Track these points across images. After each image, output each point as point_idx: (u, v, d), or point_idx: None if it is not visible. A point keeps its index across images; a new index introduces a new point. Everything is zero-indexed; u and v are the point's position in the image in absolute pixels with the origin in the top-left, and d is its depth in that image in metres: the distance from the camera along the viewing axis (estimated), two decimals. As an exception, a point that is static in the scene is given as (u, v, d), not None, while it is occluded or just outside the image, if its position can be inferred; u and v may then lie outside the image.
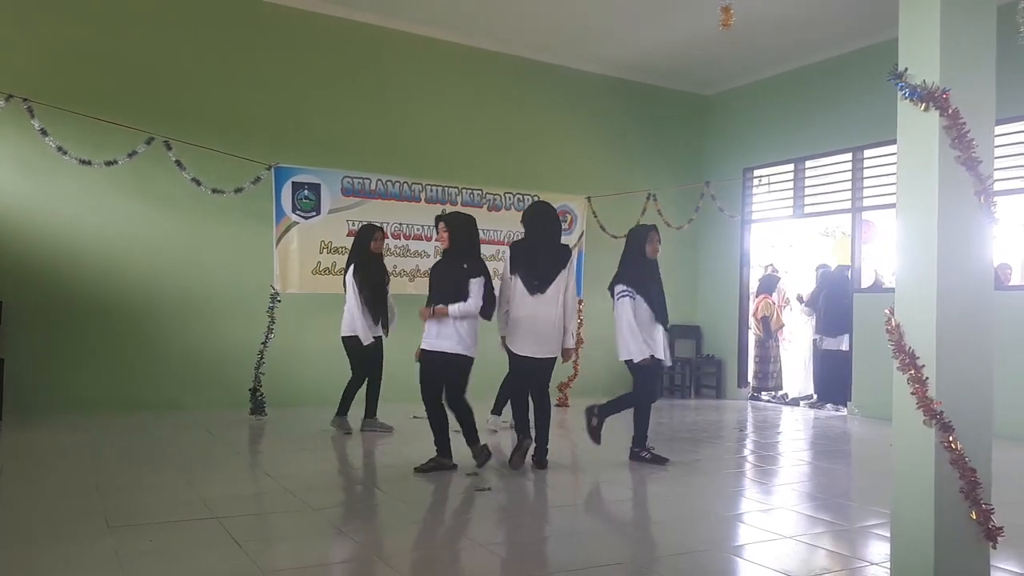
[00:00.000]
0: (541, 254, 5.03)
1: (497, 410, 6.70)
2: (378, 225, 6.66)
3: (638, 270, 5.34)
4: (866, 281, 8.78)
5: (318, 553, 3.40)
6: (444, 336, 4.92)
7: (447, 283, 4.94)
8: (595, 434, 5.49)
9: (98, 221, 7.10)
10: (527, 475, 5.25)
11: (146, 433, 6.09)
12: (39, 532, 3.53)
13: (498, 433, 6.55)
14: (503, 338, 5.20)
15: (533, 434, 5.20)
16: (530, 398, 5.22)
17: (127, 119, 6.78)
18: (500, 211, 8.55)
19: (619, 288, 5.30)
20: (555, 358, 5.14)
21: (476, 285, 4.88)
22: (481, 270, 4.95)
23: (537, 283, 4.96)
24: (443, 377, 4.99)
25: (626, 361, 5.37)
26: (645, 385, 5.45)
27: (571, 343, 5.17)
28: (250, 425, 6.67)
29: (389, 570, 3.18)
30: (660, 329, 5.36)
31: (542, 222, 5.14)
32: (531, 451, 5.20)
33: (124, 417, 6.75)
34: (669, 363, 5.53)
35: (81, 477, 4.60)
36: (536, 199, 8.72)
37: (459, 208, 8.16)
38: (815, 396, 9.32)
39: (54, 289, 6.92)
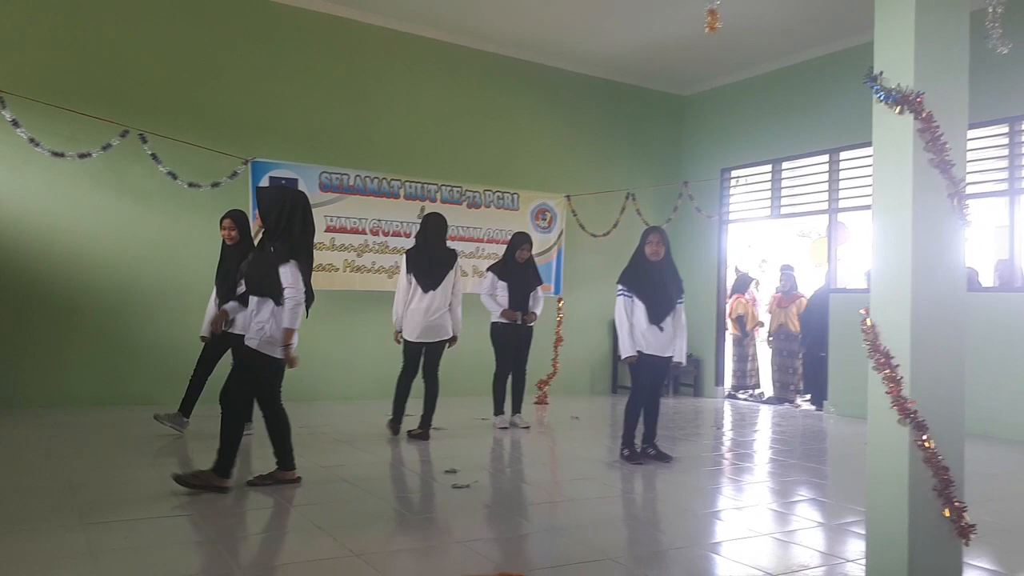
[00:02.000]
0: (433, 258, 6.00)
1: (499, 409, 6.78)
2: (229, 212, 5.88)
3: (635, 270, 5.48)
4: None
5: (294, 550, 3.39)
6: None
7: (255, 273, 4.37)
8: (634, 460, 5.41)
9: (72, 214, 6.99)
10: (504, 471, 5.26)
11: (121, 429, 6.02)
12: (12, 527, 3.48)
13: (508, 430, 6.67)
14: (397, 331, 6.09)
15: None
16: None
17: (101, 111, 6.69)
18: (479, 208, 8.55)
19: (617, 287, 5.48)
20: (443, 342, 6.05)
21: (285, 272, 4.24)
22: (291, 255, 4.27)
23: (430, 282, 5.94)
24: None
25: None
26: (633, 384, 5.52)
27: (458, 331, 6.15)
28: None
29: (367, 567, 3.17)
30: (662, 327, 5.35)
31: (434, 230, 6.08)
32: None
33: (100, 412, 6.66)
34: (678, 360, 5.51)
35: (55, 472, 4.53)
36: (516, 196, 8.78)
37: (438, 206, 8.12)
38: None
39: (27, 283, 6.81)
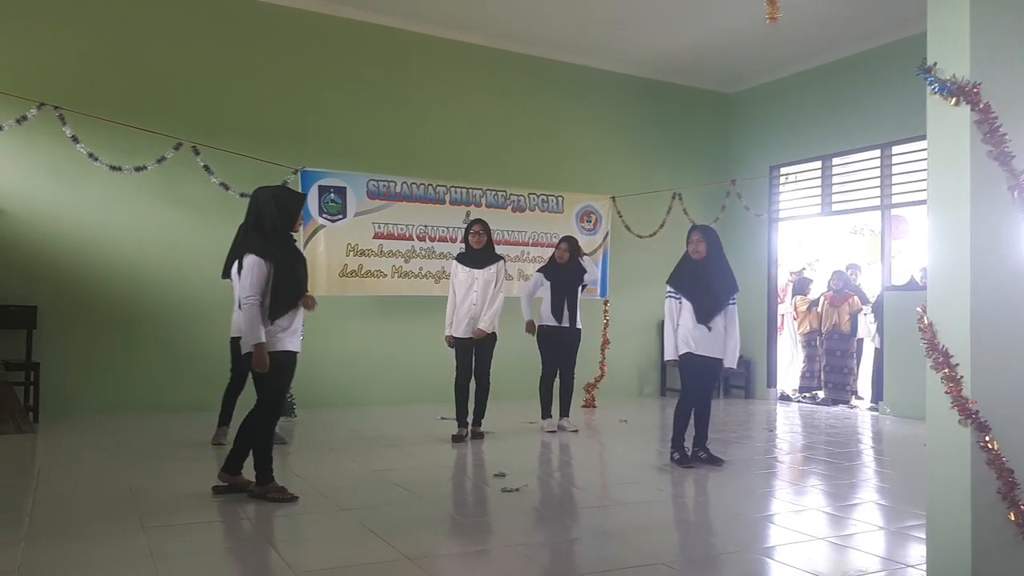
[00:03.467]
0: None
1: (546, 412, 6.78)
2: None
3: (681, 270, 5.47)
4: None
5: (349, 554, 3.42)
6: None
7: (304, 276, 4.44)
8: (684, 463, 5.37)
9: (129, 226, 7.21)
10: (554, 475, 5.25)
11: (179, 434, 6.17)
12: (75, 532, 3.59)
13: (556, 434, 6.66)
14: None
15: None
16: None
17: (156, 125, 6.88)
18: (524, 212, 8.56)
19: (666, 289, 5.46)
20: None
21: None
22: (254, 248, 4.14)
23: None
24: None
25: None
26: (682, 385, 5.49)
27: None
28: (280, 426, 6.71)
29: (419, 571, 3.19)
30: (710, 327, 5.29)
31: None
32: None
33: (158, 418, 6.85)
34: (729, 365, 5.44)
35: (115, 478, 4.67)
36: (561, 199, 8.76)
37: (483, 211, 8.19)
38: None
39: (86, 293, 7.04)
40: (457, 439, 6.15)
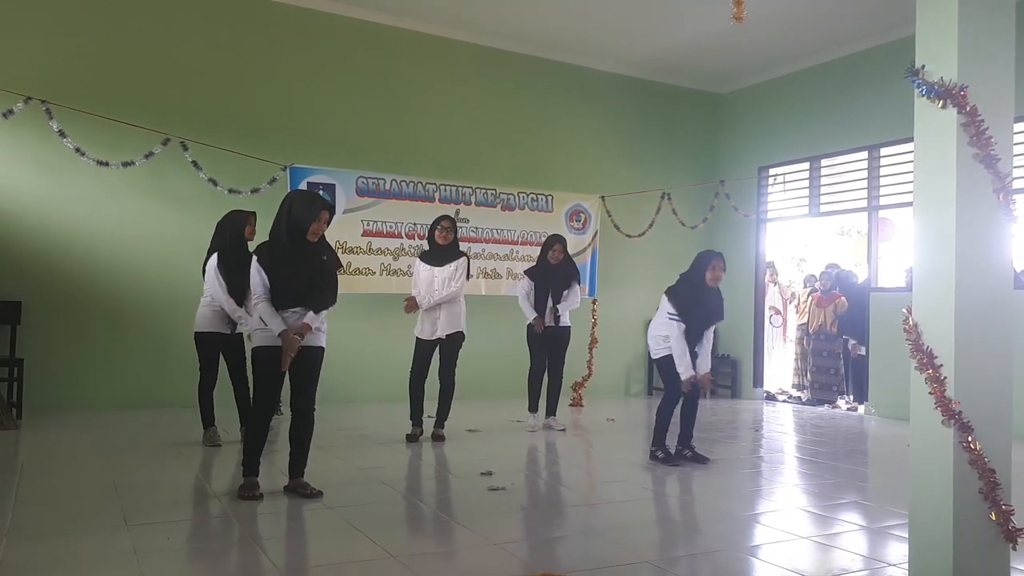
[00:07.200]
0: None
1: (533, 406, 6.77)
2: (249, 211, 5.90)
3: (689, 294, 5.37)
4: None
5: (334, 551, 3.42)
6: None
7: (326, 279, 4.42)
8: (669, 461, 5.40)
9: (115, 221, 7.16)
10: (540, 474, 5.26)
11: (165, 431, 6.13)
12: (59, 529, 3.57)
13: (543, 432, 6.67)
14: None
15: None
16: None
17: (144, 120, 6.84)
18: (514, 211, 8.56)
19: (670, 311, 5.35)
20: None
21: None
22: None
23: None
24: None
25: (656, 360, 5.58)
26: (668, 385, 5.52)
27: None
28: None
29: (404, 569, 3.19)
30: (700, 351, 5.41)
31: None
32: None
33: (144, 415, 6.80)
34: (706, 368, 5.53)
35: (99, 474, 4.64)
36: (551, 198, 8.77)
37: (473, 209, 8.23)
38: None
39: (72, 289, 6.98)
40: (413, 438, 6.03)
